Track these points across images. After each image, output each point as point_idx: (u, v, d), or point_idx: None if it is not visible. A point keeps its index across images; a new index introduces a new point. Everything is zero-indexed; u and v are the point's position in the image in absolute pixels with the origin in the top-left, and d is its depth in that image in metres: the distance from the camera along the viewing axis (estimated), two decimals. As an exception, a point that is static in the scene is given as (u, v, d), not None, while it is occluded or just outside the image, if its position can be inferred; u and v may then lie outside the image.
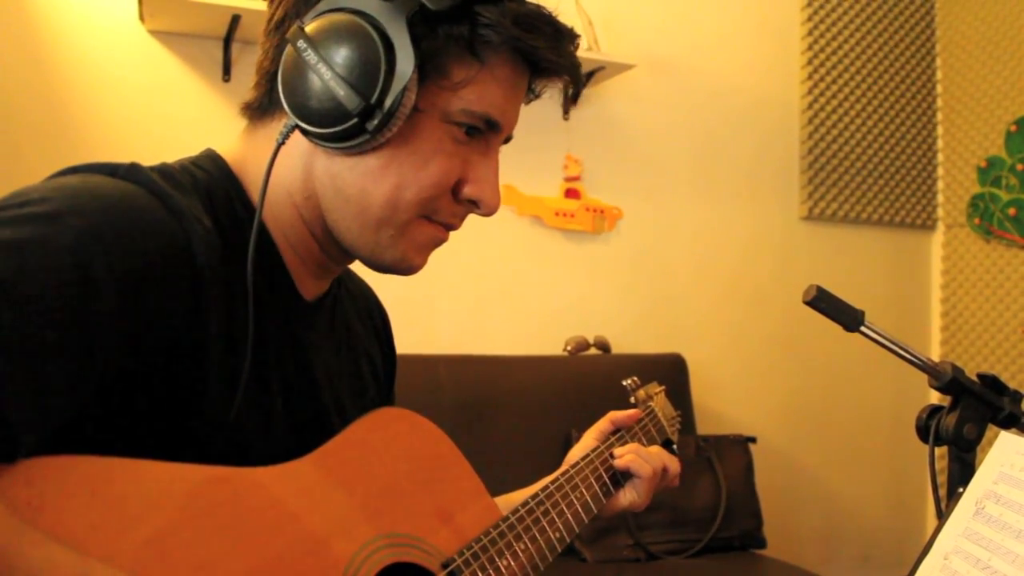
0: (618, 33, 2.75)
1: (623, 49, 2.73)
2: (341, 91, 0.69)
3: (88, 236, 0.61)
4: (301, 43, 0.70)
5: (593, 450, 1.07)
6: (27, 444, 0.56)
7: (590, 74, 2.64)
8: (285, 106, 0.72)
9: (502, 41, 0.73)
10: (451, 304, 2.60)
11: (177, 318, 0.66)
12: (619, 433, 1.13)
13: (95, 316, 0.59)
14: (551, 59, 0.76)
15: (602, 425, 1.14)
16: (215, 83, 2.32)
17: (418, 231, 0.77)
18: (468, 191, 0.77)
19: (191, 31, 2.29)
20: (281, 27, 0.76)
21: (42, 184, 0.66)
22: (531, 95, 0.82)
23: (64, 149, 2.18)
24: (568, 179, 2.75)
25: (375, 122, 0.70)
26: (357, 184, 0.74)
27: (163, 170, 0.73)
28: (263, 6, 2.61)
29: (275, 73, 0.74)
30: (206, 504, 0.64)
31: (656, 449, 1.11)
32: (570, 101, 2.72)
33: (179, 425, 0.67)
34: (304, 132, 0.72)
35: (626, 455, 1.07)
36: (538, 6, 0.75)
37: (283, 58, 0.72)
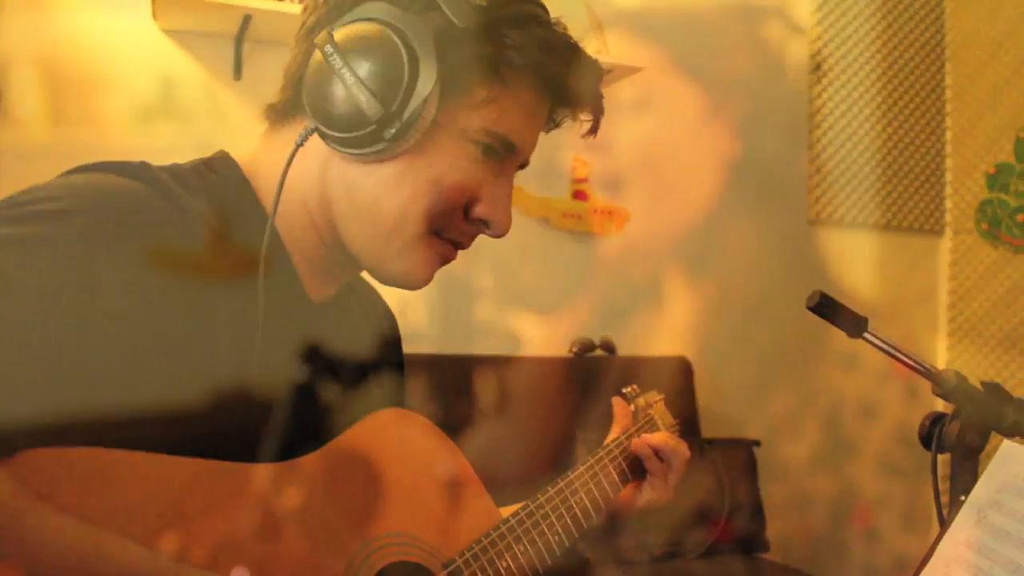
0: (627, 36, 2.75)
1: (631, 52, 2.72)
2: (363, 97, 0.70)
3: (94, 234, 0.62)
4: (328, 48, 0.71)
5: (603, 447, 1.08)
6: (28, 438, 0.57)
7: (598, 76, 2.64)
8: (307, 109, 0.73)
9: (525, 64, 0.74)
10: (456, 303, 2.60)
11: (181, 317, 0.66)
12: (638, 425, 1.14)
13: (98, 313, 0.60)
14: (573, 88, 0.77)
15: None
16: (226, 81, 2.32)
17: (426, 246, 0.78)
18: (479, 211, 0.78)
19: (203, 29, 2.29)
20: (312, 33, 0.76)
21: (52, 182, 0.67)
22: (551, 124, 0.83)
23: (74, 145, 2.19)
24: (576, 181, 2.76)
25: (393, 130, 0.71)
26: (371, 192, 0.75)
27: (173, 170, 0.74)
28: (275, 6, 2.59)
29: (301, 77, 0.75)
30: (205, 500, 0.64)
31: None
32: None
33: (182, 420, 0.68)
34: (323, 135, 0.73)
35: (641, 445, 1.07)
36: (566, 35, 0.77)
37: (310, 62, 0.73)
